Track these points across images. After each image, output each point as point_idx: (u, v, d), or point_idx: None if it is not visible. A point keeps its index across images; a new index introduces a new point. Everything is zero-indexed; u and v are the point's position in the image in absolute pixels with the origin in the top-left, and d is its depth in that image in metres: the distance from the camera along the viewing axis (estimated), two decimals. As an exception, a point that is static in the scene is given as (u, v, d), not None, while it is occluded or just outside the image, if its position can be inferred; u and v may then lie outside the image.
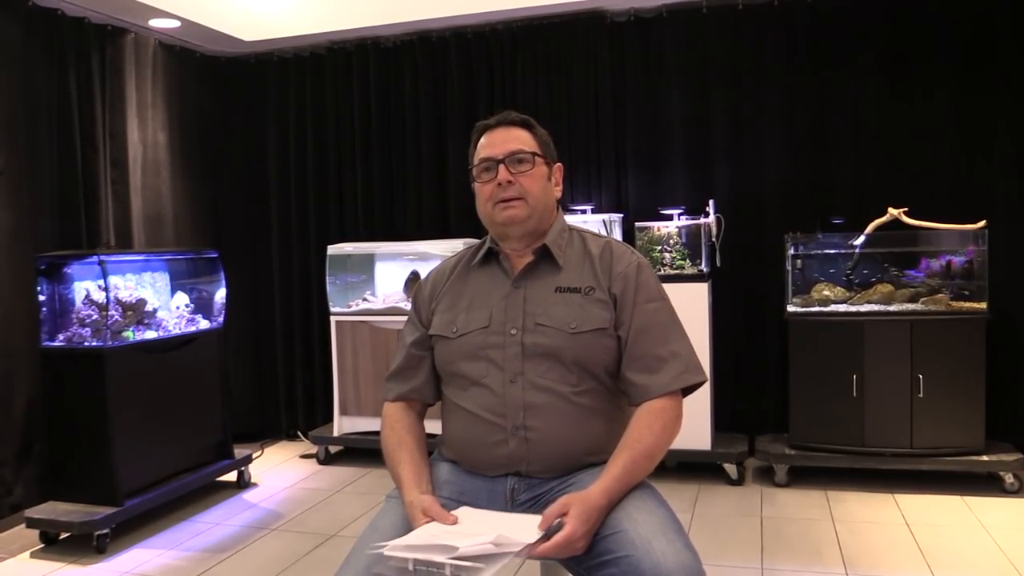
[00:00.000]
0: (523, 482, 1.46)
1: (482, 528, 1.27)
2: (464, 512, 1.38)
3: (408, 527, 1.37)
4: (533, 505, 1.45)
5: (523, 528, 1.29)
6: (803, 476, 3.45)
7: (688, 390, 1.49)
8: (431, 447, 1.62)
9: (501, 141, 1.53)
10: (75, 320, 3.17)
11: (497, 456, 1.46)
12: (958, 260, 3.45)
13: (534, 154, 1.53)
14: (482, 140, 1.57)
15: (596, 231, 1.66)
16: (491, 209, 1.53)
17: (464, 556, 1.18)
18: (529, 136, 1.56)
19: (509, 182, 1.50)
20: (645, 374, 1.46)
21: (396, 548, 1.23)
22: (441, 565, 1.18)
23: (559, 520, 1.28)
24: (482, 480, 1.49)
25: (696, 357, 1.50)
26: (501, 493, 1.47)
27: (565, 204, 3.61)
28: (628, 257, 1.54)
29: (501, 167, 1.51)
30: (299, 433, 4.49)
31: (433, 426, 1.57)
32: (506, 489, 1.47)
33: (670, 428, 1.43)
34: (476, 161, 1.56)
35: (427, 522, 1.33)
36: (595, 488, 1.33)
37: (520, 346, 1.47)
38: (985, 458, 3.21)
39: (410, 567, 1.21)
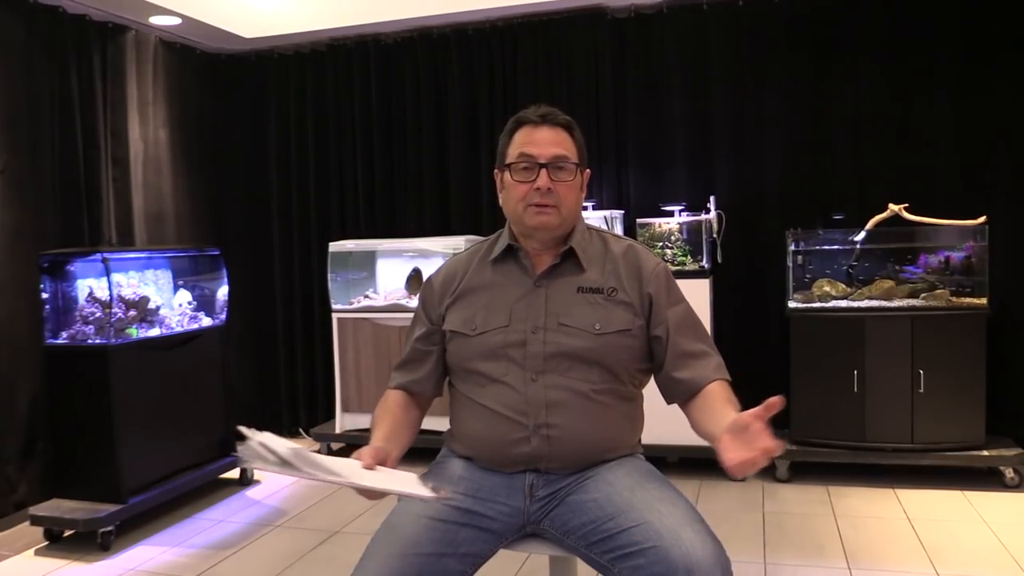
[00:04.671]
0: (541, 478, 1.47)
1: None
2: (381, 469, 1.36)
3: (424, 524, 1.38)
4: (551, 500, 1.45)
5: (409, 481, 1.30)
6: (805, 471, 3.47)
7: None
8: (438, 442, 1.63)
9: (546, 142, 1.48)
10: (78, 318, 3.17)
11: (518, 454, 1.46)
12: (958, 256, 3.46)
13: (576, 165, 1.51)
14: (522, 134, 1.51)
15: (616, 232, 1.68)
16: (522, 210, 1.50)
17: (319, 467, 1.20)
18: (571, 141, 1.52)
19: (549, 189, 1.47)
20: (689, 369, 1.48)
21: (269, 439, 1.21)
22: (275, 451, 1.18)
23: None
24: (499, 476, 1.49)
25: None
26: (520, 489, 1.47)
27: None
28: (653, 259, 1.56)
29: (543, 172, 1.47)
30: (301, 430, 4.50)
31: (438, 422, 1.57)
32: (524, 485, 1.47)
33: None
34: (515, 154, 1.50)
35: (367, 464, 1.31)
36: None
37: (542, 345, 1.47)
38: (985, 453, 3.23)
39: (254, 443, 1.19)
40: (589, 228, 1.61)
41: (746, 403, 4.24)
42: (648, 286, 1.50)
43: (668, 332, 1.49)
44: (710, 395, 1.45)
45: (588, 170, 1.60)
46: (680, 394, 1.49)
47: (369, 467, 1.30)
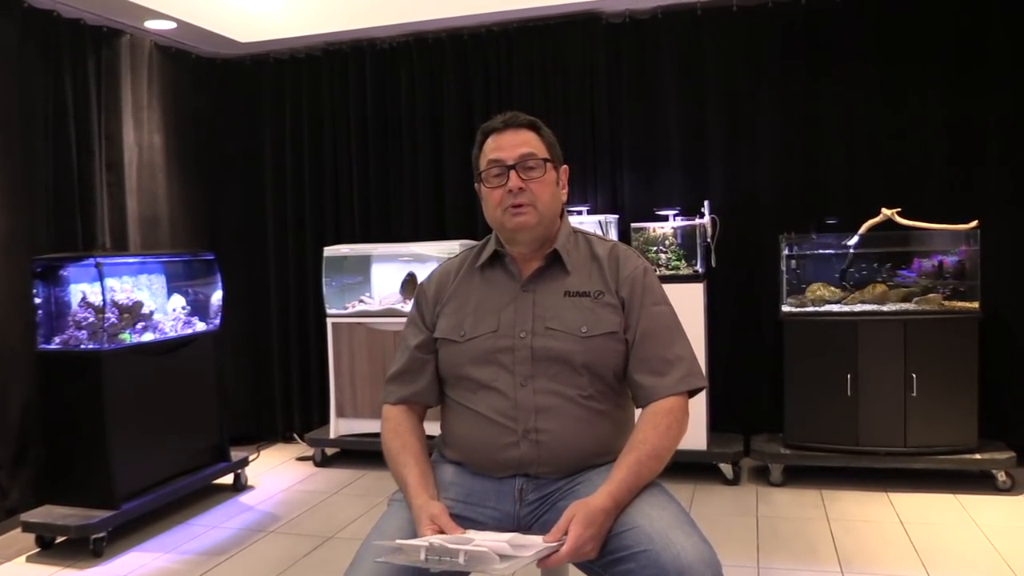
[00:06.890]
0: (531, 482, 1.47)
1: (493, 539, 1.27)
2: (472, 533, 1.36)
3: (413, 531, 1.37)
4: (542, 504, 1.46)
5: (532, 546, 1.28)
6: (798, 475, 3.47)
7: (691, 393, 1.50)
8: (430, 448, 1.63)
9: (511, 145, 1.52)
10: (71, 323, 3.16)
11: (507, 459, 1.46)
12: (951, 260, 3.48)
13: (545, 160, 1.53)
14: (489, 142, 1.55)
15: (600, 234, 1.67)
16: (501, 215, 1.52)
17: (479, 547, 1.18)
18: (537, 139, 1.54)
19: (520, 188, 1.49)
20: (652, 376, 1.47)
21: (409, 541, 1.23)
22: (455, 552, 1.18)
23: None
24: (490, 481, 1.49)
25: (698, 362, 1.52)
26: (509, 493, 1.47)
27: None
28: (634, 260, 1.55)
29: (512, 173, 1.50)
30: (295, 435, 4.49)
31: (428, 427, 1.57)
32: (514, 489, 1.47)
33: (676, 428, 1.44)
34: (484, 164, 1.54)
35: (435, 531, 1.32)
36: (600, 492, 1.33)
37: (530, 350, 1.47)
38: (978, 456, 3.24)
39: (422, 556, 1.20)
40: (575, 231, 1.62)
41: (740, 407, 4.19)
42: (622, 289, 1.51)
43: (636, 336, 1.49)
44: (639, 425, 1.45)
45: (565, 166, 1.61)
46: (639, 399, 1.50)
47: (460, 533, 1.31)
